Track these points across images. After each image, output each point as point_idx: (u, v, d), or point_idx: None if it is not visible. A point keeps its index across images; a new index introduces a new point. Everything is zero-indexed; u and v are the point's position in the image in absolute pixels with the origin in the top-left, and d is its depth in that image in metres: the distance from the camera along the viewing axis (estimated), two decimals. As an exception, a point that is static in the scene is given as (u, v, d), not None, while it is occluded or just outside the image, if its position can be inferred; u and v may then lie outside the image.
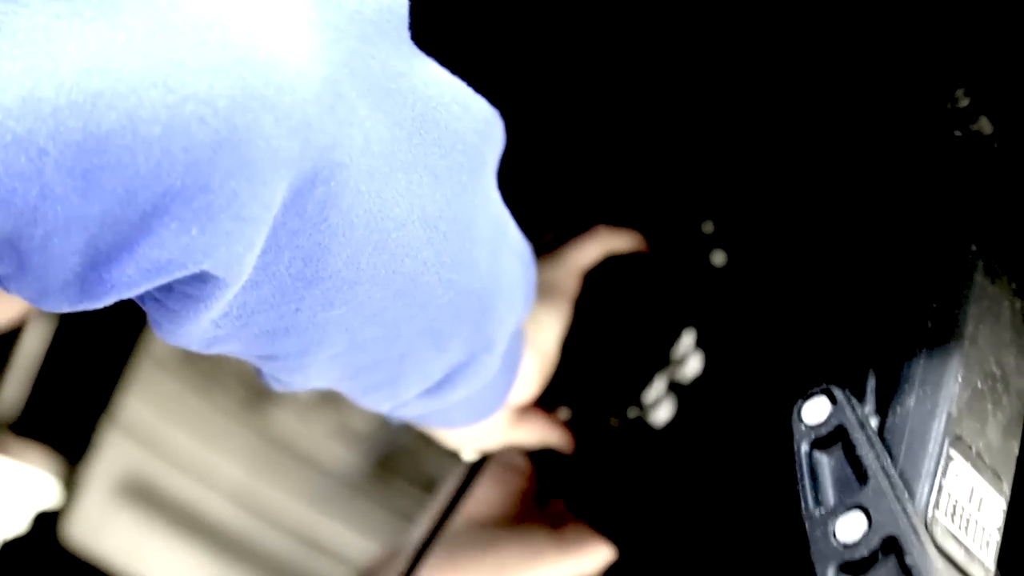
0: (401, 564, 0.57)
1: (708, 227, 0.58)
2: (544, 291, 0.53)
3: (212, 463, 0.86)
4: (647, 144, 0.59)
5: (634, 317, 0.55)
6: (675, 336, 0.54)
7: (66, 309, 0.30)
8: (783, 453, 0.40)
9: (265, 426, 0.87)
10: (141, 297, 0.31)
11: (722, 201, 0.57)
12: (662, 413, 0.55)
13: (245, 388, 0.87)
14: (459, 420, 0.47)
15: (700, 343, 0.55)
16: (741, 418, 0.55)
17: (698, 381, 0.55)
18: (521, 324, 0.44)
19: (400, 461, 0.90)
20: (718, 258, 0.57)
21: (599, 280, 0.56)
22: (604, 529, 0.57)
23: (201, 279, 0.30)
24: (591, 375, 0.55)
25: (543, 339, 0.51)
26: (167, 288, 0.30)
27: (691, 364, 0.55)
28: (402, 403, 0.41)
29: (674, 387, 0.55)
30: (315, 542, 0.87)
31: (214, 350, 0.35)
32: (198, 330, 0.33)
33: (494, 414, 0.48)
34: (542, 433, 0.55)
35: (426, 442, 0.91)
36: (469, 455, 0.57)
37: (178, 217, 0.28)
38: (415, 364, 0.38)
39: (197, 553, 0.87)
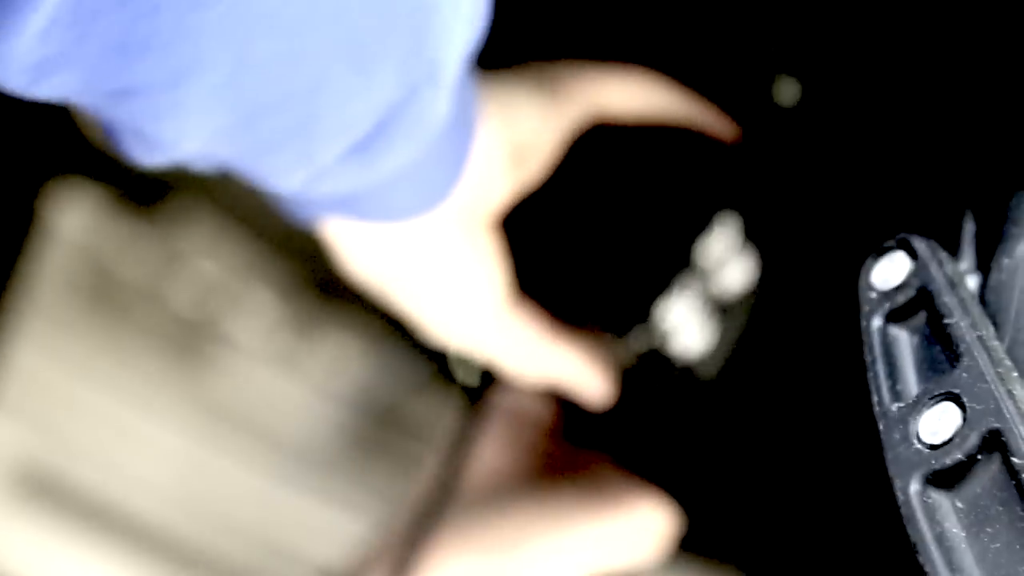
0: (395, 555, 0.59)
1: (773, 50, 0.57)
2: (534, 77, 0.53)
3: (131, 451, 0.88)
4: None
5: (645, 196, 0.54)
6: (703, 224, 0.53)
7: None
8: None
9: (204, 393, 0.89)
10: None
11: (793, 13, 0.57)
12: (689, 341, 0.54)
13: (171, 343, 0.89)
14: (399, 206, 0.46)
15: (750, 234, 0.54)
16: (816, 343, 0.54)
17: (747, 296, 0.54)
18: (472, 56, 0.42)
19: (394, 430, 0.91)
20: (787, 91, 0.57)
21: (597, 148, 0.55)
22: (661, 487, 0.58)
23: None
24: (574, 281, 0.55)
25: (522, 124, 0.51)
26: None
27: (732, 270, 0.54)
28: (320, 169, 0.41)
29: (710, 304, 0.53)
30: (278, 542, 0.89)
31: (44, 87, 0.34)
32: (19, 49, 0.32)
33: (448, 195, 0.47)
34: (560, 347, 0.54)
35: (430, 402, 0.93)
36: (455, 346, 0.56)
37: None
38: (333, 100, 0.38)
39: (124, 561, 0.90)
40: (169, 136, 0.37)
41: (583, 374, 0.56)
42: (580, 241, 0.55)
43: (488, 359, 0.56)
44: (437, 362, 0.95)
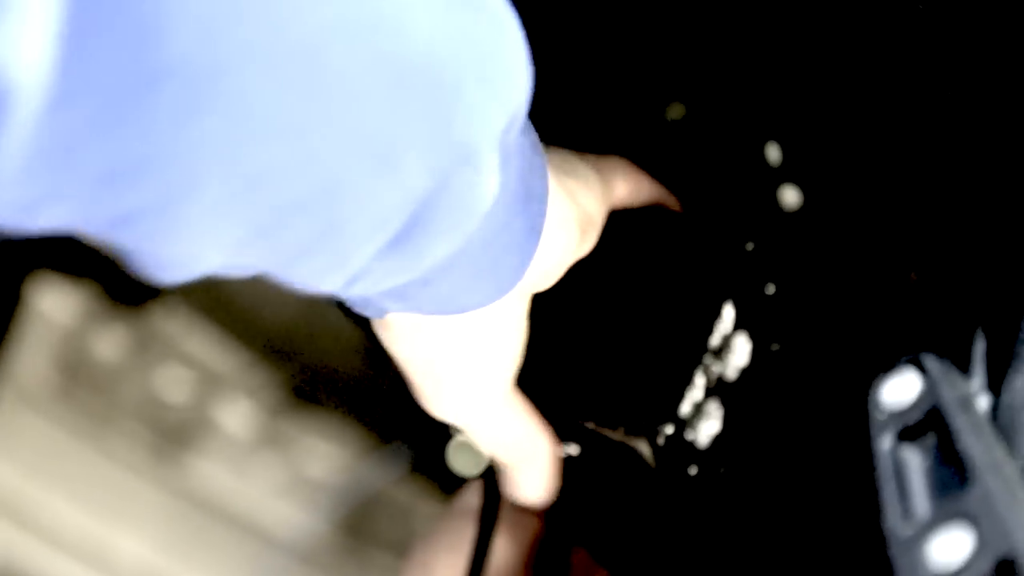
0: None
1: (773, 154, 0.58)
2: (579, 158, 0.52)
3: (109, 539, 0.88)
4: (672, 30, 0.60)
5: (657, 291, 0.55)
6: (714, 313, 0.53)
7: None
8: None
9: (184, 483, 0.88)
10: None
11: (790, 117, 0.58)
12: (708, 426, 0.55)
13: (153, 430, 0.88)
14: (465, 297, 0.45)
15: (740, 322, 0.54)
16: (815, 420, 0.55)
17: (745, 374, 0.54)
18: (525, 120, 0.40)
19: (378, 521, 0.91)
20: (790, 197, 0.58)
21: (607, 245, 0.56)
22: None
23: None
24: (603, 388, 0.54)
25: (586, 195, 0.50)
26: None
27: (737, 351, 0.55)
28: (358, 271, 0.39)
29: (718, 387, 0.55)
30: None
31: (42, 221, 0.33)
32: (5, 183, 0.30)
33: (520, 280, 0.45)
34: (540, 440, 0.55)
35: (414, 492, 0.92)
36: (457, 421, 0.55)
37: None
38: (356, 199, 0.36)
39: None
40: (181, 256, 0.36)
41: (540, 469, 0.56)
42: (601, 353, 0.55)
43: (478, 435, 0.55)
44: (413, 459, 0.95)
